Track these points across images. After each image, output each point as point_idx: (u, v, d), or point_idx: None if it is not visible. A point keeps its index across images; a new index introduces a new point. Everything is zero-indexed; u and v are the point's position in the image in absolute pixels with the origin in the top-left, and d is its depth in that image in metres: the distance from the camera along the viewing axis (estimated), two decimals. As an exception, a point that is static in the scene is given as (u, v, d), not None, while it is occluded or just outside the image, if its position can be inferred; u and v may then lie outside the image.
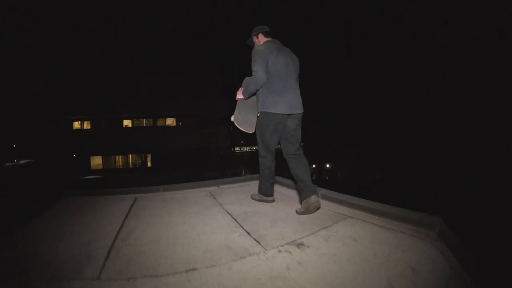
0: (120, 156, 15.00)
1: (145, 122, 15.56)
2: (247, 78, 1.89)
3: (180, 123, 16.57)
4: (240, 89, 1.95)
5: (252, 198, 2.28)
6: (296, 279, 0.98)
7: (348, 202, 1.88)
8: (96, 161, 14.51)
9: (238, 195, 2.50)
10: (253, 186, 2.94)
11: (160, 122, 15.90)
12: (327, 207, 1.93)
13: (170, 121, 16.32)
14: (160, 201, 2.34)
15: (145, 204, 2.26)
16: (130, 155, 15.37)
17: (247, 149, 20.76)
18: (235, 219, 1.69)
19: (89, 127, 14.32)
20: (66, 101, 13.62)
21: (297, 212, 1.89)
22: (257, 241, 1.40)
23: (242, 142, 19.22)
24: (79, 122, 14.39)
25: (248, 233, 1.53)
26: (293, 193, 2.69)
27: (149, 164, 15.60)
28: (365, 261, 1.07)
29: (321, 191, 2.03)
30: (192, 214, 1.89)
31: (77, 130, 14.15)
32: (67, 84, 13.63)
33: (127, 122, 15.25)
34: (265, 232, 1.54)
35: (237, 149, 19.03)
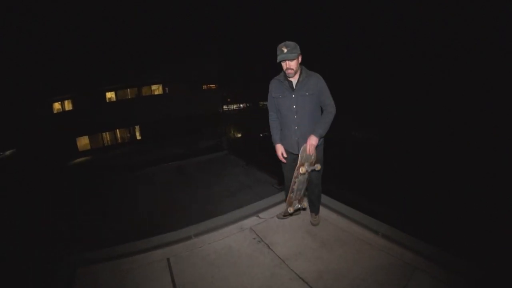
0: (107, 132, 15.06)
1: (129, 93, 15.34)
2: (327, 115, 2.05)
3: (167, 90, 16.37)
4: (313, 139, 2.06)
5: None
6: None
7: (419, 249, 1.90)
8: (83, 142, 14.66)
9: (291, 234, 2.56)
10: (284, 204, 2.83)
11: (145, 91, 15.95)
12: (397, 256, 1.95)
13: (156, 88, 16.13)
14: (202, 260, 2.13)
15: (185, 272, 1.99)
16: (117, 130, 15.44)
17: (234, 106, 21.09)
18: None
19: (70, 107, 14.05)
20: (41, 82, 13.12)
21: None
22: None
23: (228, 100, 19.82)
24: (59, 103, 13.99)
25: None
26: (348, 226, 2.66)
27: (138, 137, 15.74)
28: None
29: (389, 231, 2.15)
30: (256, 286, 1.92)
31: (59, 113, 13.86)
32: (39, 63, 13.13)
33: (110, 95, 15.09)
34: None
35: (224, 107, 19.49)
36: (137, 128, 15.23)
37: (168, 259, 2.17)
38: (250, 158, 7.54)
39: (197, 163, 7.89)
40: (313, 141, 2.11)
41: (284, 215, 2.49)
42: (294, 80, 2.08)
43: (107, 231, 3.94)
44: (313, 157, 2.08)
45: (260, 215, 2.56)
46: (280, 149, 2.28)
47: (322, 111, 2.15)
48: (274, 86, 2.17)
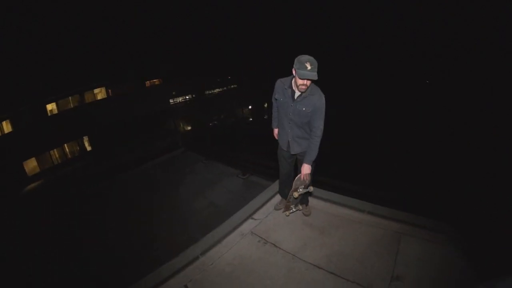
0: (55, 149, 12.23)
1: (71, 101, 12.86)
2: (314, 142, 2.07)
3: (111, 92, 13.97)
4: (307, 168, 2.14)
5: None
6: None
7: (401, 219, 2.35)
8: (31, 165, 11.61)
9: (290, 229, 2.56)
10: (278, 196, 2.83)
11: (89, 97, 13.29)
12: (383, 227, 2.34)
13: (99, 91, 13.66)
14: (219, 276, 2.04)
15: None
16: (65, 144, 12.78)
17: (180, 99, 19.60)
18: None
19: (10, 128, 10.97)
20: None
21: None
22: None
23: (173, 93, 18.33)
24: (-4, 127, 10.60)
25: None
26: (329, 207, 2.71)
27: (88, 148, 13.33)
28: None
29: (372, 208, 2.50)
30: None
31: (-3, 138, 10.29)
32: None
33: (51, 107, 12.30)
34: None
35: (171, 101, 18.19)
36: (85, 138, 12.65)
37: (186, 286, 2.09)
38: (208, 151, 7.16)
39: (156, 165, 7.21)
40: (307, 170, 2.16)
41: (281, 209, 2.53)
42: (297, 92, 2.00)
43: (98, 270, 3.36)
44: (307, 182, 2.18)
45: (254, 216, 2.61)
46: (275, 131, 2.43)
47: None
48: (278, 87, 2.15)
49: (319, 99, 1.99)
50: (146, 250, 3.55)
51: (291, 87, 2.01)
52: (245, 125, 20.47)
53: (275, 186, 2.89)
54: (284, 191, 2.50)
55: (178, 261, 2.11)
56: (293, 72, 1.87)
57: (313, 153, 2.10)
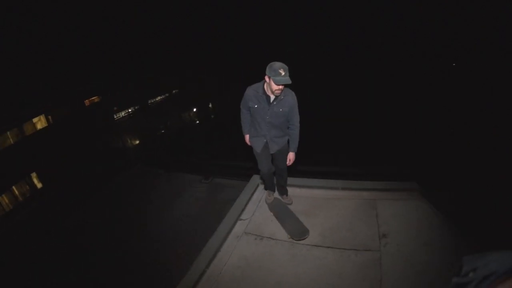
0: (3, 195, 10.25)
1: (10, 137, 10.76)
2: (296, 132, 2.28)
3: (51, 119, 12.31)
4: (293, 156, 2.38)
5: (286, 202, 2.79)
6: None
7: (370, 188, 2.79)
8: None
9: (276, 210, 2.65)
10: (253, 185, 2.97)
11: (28, 128, 11.42)
12: (358, 198, 2.74)
13: (38, 120, 11.86)
14: (233, 281, 2.13)
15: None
16: (13, 187, 10.65)
17: (123, 113, 17.82)
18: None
19: None
20: None
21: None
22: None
23: (115, 108, 16.81)
24: None
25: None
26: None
27: (39, 185, 11.55)
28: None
29: (344, 184, 2.87)
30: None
31: None
32: None
33: None
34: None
35: (114, 117, 16.83)
36: (34, 175, 10.13)
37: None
38: (164, 162, 7.03)
39: (115, 189, 6.78)
40: (293, 157, 2.42)
41: (273, 199, 2.78)
42: (272, 96, 2.13)
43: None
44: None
45: (242, 217, 2.72)
46: (247, 138, 2.48)
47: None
48: (250, 96, 2.19)
49: (293, 98, 2.19)
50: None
51: (265, 93, 2.13)
52: (194, 128, 19.84)
53: (251, 185, 3.08)
54: (270, 184, 2.72)
55: (187, 281, 2.13)
56: (267, 79, 2.01)
57: (296, 141, 2.36)
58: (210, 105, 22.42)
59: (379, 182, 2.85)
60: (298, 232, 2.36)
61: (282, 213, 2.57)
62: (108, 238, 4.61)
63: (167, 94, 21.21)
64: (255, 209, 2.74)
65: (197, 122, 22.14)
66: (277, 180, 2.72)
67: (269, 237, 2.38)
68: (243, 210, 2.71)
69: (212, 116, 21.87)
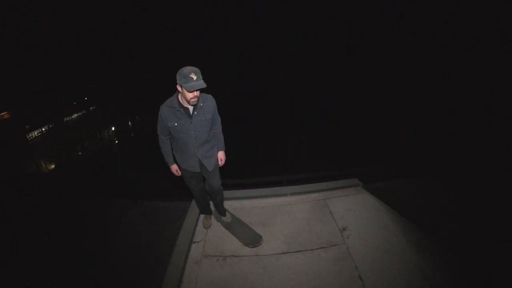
0: None
1: None
2: (220, 131, 2.19)
3: None
4: (223, 154, 2.27)
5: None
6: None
7: (318, 189, 3.02)
8: None
9: (233, 235, 2.56)
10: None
11: None
12: (309, 200, 2.91)
13: None
14: None
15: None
16: None
17: (36, 133, 15.48)
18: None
19: None
20: None
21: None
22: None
23: (27, 127, 14.68)
24: None
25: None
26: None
27: None
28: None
29: (292, 189, 3.04)
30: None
31: None
32: None
33: None
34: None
35: (27, 137, 14.71)
36: None
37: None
38: (85, 189, 5.62)
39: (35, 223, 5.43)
40: (223, 156, 2.28)
41: (210, 225, 2.61)
42: (190, 107, 1.90)
43: None
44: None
45: (195, 239, 2.49)
46: (174, 168, 2.20)
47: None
48: (166, 114, 1.92)
49: (212, 101, 2.02)
50: None
51: (182, 106, 1.89)
52: (113, 148, 18.09)
53: (193, 204, 2.82)
54: (205, 207, 2.52)
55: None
56: (179, 88, 1.78)
57: (222, 139, 2.25)
58: (130, 123, 20.65)
59: (325, 183, 3.09)
60: (251, 239, 2.32)
61: (234, 225, 2.49)
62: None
63: (84, 111, 19.33)
64: (206, 229, 2.59)
65: (116, 141, 20.02)
66: (213, 201, 2.49)
67: (232, 255, 2.26)
68: (194, 232, 2.52)
69: (132, 135, 20.20)
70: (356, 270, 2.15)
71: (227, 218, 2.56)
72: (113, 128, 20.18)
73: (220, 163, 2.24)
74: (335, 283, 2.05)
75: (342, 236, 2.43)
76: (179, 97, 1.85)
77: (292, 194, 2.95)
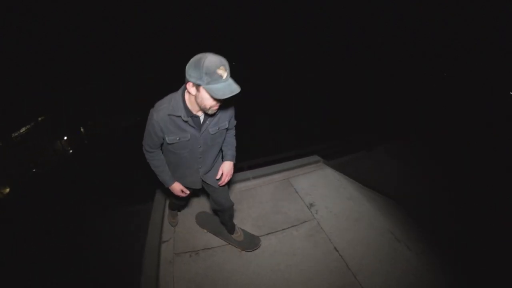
0: None
1: None
2: (233, 136, 1.68)
3: None
4: (231, 166, 1.67)
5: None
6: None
7: (280, 170, 3.02)
8: None
9: (201, 230, 2.42)
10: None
11: None
12: (272, 181, 2.96)
13: None
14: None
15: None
16: None
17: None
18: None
19: None
20: None
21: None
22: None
23: None
24: None
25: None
26: None
27: None
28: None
29: (254, 173, 3.01)
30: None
31: None
32: None
33: None
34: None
35: None
36: None
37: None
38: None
39: None
40: (231, 169, 1.63)
41: (176, 222, 2.33)
42: (201, 113, 1.32)
43: None
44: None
45: (164, 239, 2.34)
46: (178, 187, 1.62)
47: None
48: (164, 125, 1.29)
49: (231, 106, 1.43)
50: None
51: (191, 114, 1.28)
52: (68, 158, 16.31)
53: (158, 200, 2.64)
54: (183, 206, 2.32)
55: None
56: (192, 89, 1.17)
57: (234, 148, 1.68)
58: (82, 129, 19.02)
59: (286, 163, 3.10)
60: (247, 242, 2.10)
61: (215, 226, 2.21)
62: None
63: (32, 124, 17.15)
64: (174, 225, 2.45)
65: (71, 151, 18.24)
66: (220, 218, 2.05)
67: (204, 248, 2.15)
68: (161, 230, 2.34)
69: (86, 142, 18.64)
70: (330, 242, 2.17)
71: (238, 236, 2.11)
72: (65, 138, 18.10)
73: (223, 178, 1.61)
74: (312, 258, 2.06)
75: (311, 211, 2.44)
76: (188, 100, 1.26)
77: (254, 177, 2.89)
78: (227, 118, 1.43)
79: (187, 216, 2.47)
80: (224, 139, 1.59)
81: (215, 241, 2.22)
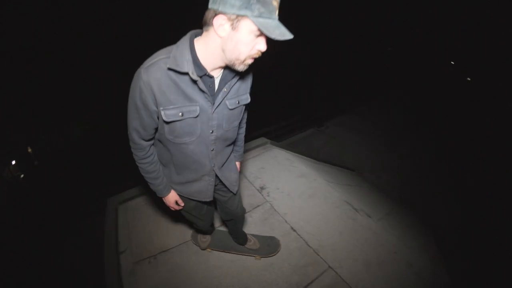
0: None
1: None
2: (243, 135, 1.38)
3: None
4: (238, 165, 1.42)
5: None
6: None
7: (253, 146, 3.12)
8: None
9: (151, 227, 2.44)
10: None
11: None
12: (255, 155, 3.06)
13: None
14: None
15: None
16: None
17: None
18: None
19: None
20: None
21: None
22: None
23: None
24: None
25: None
26: None
27: None
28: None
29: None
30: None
31: None
32: None
33: None
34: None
35: None
36: None
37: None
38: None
39: None
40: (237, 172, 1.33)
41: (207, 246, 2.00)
42: (218, 73, 0.86)
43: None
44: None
45: (120, 250, 2.22)
46: (173, 199, 1.19)
47: None
48: (161, 90, 0.79)
49: (250, 73, 0.98)
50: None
51: (204, 72, 0.82)
52: (19, 185, 14.06)
53: (110, 210, 2.47)
54: (211, 227, 1.85)
55: None
56: (222, 27, 0.72)
57: (243, 146, 1.36)
58: (30, 150, 16.44)
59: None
60: (266, 247, 1.88)
61: (220, 241, 1.99)
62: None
63: None
64: (129, 233, 2.25)
65: (21, 176, 15.95)
66: (230, 226, 1.72)
67: (161, 252, 2.09)
68: (117, 241, 2.18)
69: (36, 163, 16.67)
70: (286, 223, 2.19)
71: (253, 244, 1.86)
72: (13, 162, 15.68)
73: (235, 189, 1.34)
74: (270, 242, 2.09)
75: (262, 195, 2.45)
76: (202, 49, 0.79)
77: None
78: (247, 90, 0.99)
79: (142, 217, 2.34)
80: (238, 132, 1.22)
81: (170, 241, 2.15)
